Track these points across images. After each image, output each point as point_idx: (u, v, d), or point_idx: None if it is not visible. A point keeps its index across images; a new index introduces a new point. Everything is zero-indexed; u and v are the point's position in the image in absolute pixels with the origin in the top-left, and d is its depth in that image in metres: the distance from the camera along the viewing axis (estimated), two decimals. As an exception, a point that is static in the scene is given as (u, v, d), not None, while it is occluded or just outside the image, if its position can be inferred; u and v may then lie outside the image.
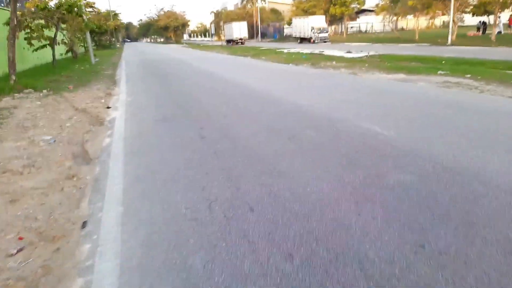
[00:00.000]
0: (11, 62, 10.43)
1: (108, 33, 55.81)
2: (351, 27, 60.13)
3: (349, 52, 23.34)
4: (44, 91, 10.78)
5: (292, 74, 13.14)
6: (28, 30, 16.63)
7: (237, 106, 7.28)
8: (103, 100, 8.95)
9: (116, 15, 64.46)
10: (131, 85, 11.77)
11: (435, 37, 33.40)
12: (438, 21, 57.36)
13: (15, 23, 10.38)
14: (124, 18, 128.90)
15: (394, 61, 16.44)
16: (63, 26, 22.01)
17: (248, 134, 5.21)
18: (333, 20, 50.99)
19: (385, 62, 16.20)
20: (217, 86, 10.34)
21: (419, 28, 46.30)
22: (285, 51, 28.52)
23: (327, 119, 5.80)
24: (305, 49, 29.01)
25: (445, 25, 58.32)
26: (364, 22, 64.80)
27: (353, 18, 58.32)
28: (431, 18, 56.61)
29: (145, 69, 17.67)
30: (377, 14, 43.44)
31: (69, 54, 25.20)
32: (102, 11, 48.44)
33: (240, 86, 10.18)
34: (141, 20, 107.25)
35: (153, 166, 4.14)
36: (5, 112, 7.75)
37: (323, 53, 23.88)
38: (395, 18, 61.27)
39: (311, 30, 42.33)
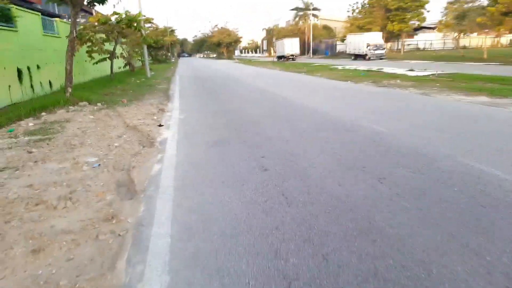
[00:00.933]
0: (68, 75, 10.36)
1: (164, 48, 57.89)
2: (408, 44, 57.41)
3: (411, 70, 21.72)
4: (99, 104, 10.59)
5: (354, 93, 12.01)
6: (89, 44, 17.09)
7: (300, 130, 6.34)
8: (155, 117, 8.44)
9: (172, 31, 66.93)
10: (184, 101, 11.30)
11: (505, 56, 30.52)
12: (504, 39, 53.24)
13: (74, 35, 10.34)
14: (179, 34, 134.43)
15: (466, 81, 14.72)
16: (123, 40, 22.68)
17: (321, 169, 4.23)
18: (389, 37, 49.00)
19: (458, 82, 14.53)
20: (274, 105, 9.51)
21: (482, 46, 43.02)
22: (339, 67, 27.36)
23: (418, 153, 4.67)
24: (361, 66, 27.66)
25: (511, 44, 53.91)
26: (422, 40, 61.86)
27: (410, 35, 55.60)
28: (497, 36, 52.77)
29: (198, 84, 17.38)
30: (440, 31, 40.81)
31: (127, 68, 25.97)
32: (159, 27, 50.39)
33: (300, 106, 9.26)
34: (195, 36, 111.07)
35: (208, 212, 3.29)
36: (57, 126, 7.44)
37: (381, 70, 22.46)
38: (456, 35, 57.97)
39: (367, 47, 40.80)
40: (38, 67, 12.89)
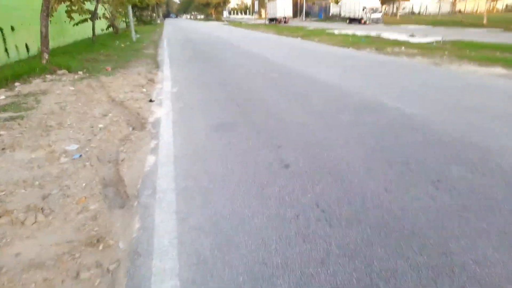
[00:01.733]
0: (44, 38, 9.14)
1: (149, 9, 54.76)
2: (403, 8, 55.56)
3: (412, 36, 20.70)
4: (80, 72, 9.48)
5: (360, 62, 11.09)
6: (68, 2, 15.48)
7: (315, 110, 5.50)
8: (144, 89, 7.45)
9: (158, -11, 63.22)
10: (175, 69, 10.22)
11: (506, 22, 29.49)
12: (500, 4, 51.86)
13: (49, -7, 9.00)
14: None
15: (475, 49, 13.90)
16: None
17: (355, 165, 3.46)
18: (384, 0, 47.15)
19: (465, 50, 13.71)
20: (278, 77, 8.56)
21: (478, 11, 41.72)
22: (336, 32, 26.10)
23: (466, 143, 3.93)
24: (358, 30, 26.39)
25: (508, 9, 52.63)
26: (417, 3, 59.99)
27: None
28: (493, 0, 51.46)
29: (188, 49, 16.09)
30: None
31: (110, 30, 24.17)
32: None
33: (306, 78, 8.35)
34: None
35: (225, 233, 2.51)
36: (31, 100, 6.44)
37: (381, 36, 21.39)
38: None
39: (363, 10, 39.22)
40: (12, 28, 11.51)
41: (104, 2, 21.17)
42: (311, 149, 3.91)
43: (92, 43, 16.78)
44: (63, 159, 3.85)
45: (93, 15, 16.85)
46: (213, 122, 5.08)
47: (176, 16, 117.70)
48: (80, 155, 3.93)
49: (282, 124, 4.87)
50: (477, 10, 42.23)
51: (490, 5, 55.19)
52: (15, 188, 3.22)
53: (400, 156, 3.64)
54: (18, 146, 4.24)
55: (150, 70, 10.01)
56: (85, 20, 17.30)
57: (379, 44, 16.77)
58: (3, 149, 4.19)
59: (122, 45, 18.15)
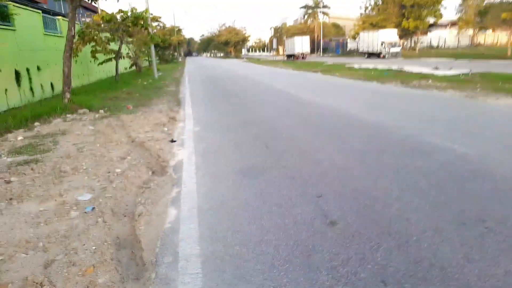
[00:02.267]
0: (66, 78, 9.07)
1: (171, 48, 56.68)
2: (421, 42, 55.39)
3: (436, 68, 20.15)
4: (101, 111, 9.30)
5: (388, 96, 10.58)
6: (93, 43, 15.87)
7: (355, 152, 4.94)
8: (165, 128, 7.09)
9: (179, 30, 65.76)
10: (197, 107, 9.94)
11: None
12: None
13: (73, 33, 9.02)
14: (186, 33, 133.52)
15: (507, 81, 13.21)
16: (129, 39, 21.46)
17: (420, 224, 2.83)
18: (402, 34, 47.23)
19: (496, 82, 13.04)
20: (306, 114, 8.11)
21: (498, 44, 41.08)
22: (356, 66, 25.86)
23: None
24: (378, 64, 26.05)
25: None
26: (436, 37, 59.89)
27: (423, 33, 53.54)
28: None
29: (210, 86, 16.00)
30: (461, 28, 39.01)
31: (133, 68, 24.74)
32: (166, 26, 49.18)
33: (337, 114, 7.87)
34: (203, 35, 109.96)
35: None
36: (49, 142, 6.14)
37: (403, 69, 20.96)
38: (472, 32, 56.01)
39: (381, 45, 39.21)
40: (38, 68, 11.68)
41: (128, 43, 21.77)
42: (358, 200, 3.32)
43: (115, 82, 16.97)
44: (73, 213, 3.37)
45: (117, 55, 17.16)
46: (240, 165, 4.58)
47: (197, 55, 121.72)
48: (93, 208, 3.45)
49: (319, 168, 4.32)
50: (497, 43, 41.61)
51: (511, 37, 54.74)
52: (16, 251, 2.74)
53: (471, 211, 3.01)
54: (27, 196, 3.82)
55: (171, 108, 9.76)
56: (110, 59, 17.68)
57: (403, 77, 16.29)
58: (10, 199, 3.78)
59: (145, 83, 18.32)
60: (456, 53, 38.30)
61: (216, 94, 12.78)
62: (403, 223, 2.87)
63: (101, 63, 17.74)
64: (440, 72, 18.11)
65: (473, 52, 37.13)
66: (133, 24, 16.27)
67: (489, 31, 44.76)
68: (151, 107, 10.24)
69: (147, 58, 25.33)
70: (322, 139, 5.64)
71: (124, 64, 23.63)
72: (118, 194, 3.83)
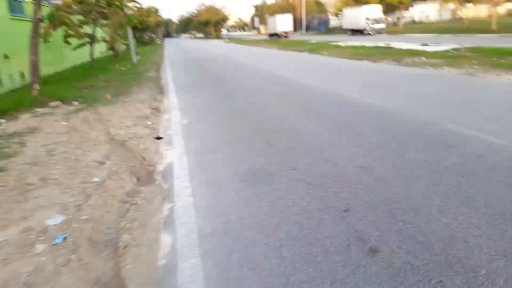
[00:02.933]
0: (33, 68, 8.07)
1: (149, 30, 54.51)
2: (403, 17, 54.79)
3: (424, 44, 19.67)
4: (75, 103, 8.39)
5: (386, 76, 9.98)
6: (65, 27, 14.60)
7: (373, 146, 4.31)
8: (149, 122, 6.31)
9: (157, 11, 63.26)
10: (182, 95, 9.11)
11: (508, 27, 28.45)
12: (502, 9, 51.10)
13: (39, 17, 7.98)
14: (164, 14, 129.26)
15: (500, 56, 12.81)
16: (104, 22, 20.09)
17: (485, 249, 2.25)
18: (386, 10, 46.46)
19: (491, 57, 12.61)
20: (305, 100, 7.44)
21: (479, 17, 40.84)
22: (342, 44, 25.17)
23: None
24: (365, 41, 25.40)
25: (510, 13, 51.76)
26: (418, 12, 59.41)
27: (406, 8, 52.86)
28: (494, 5, 50.66)
29: (193, 70, 15.05)
30: (446, 1, 38.44)
31: (110, 53, 23.33)
32: (143, 7, 46.95)
33: (336, 98, 7.23)
34: (181, 15, 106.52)
35: None
36: (14, 143, 5.31)
37: (391, 46, 20.40)
38: (453, 7, 55.67)
39: (366, 21, 38.45)
40: (6, 56, 10.57)
41: (103, 26, 20.39)
42: (394, 214, 2.71)
43: (91, 68, 15.80)
44: (39, 246, 2.66)
45: (92, 39, 15.94)
46: (242, 168, 3.90)
47: (177, 36, 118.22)
48: (65, 238, 2.74)
49: (334, 169, 3.68)
50: (478, 16, 41.38)
51: (491, 11, 54.68)
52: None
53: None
54: (-18, 222, 3.07)
55: (154, 97, 8.91)
56: (84, 44, 16.42)
57: (394, 55, 15.71)
58: (-39, 227, 3.02)
59: (123, 68, 17.20)
60: (440, 28, 37.89)
61: (201, 80, 11.91)
62: (461, 247, 2.27)
63: (75, 48, 16.48)
64: (430, 48, 17.62)
65: (458, 26, 36.78)
66: (108, 5, 15.05)
67: (470, 5, 44.39)
68: (131, 96, 9.37)
69: (124, 41, 23.87)
70: (329, 131, 5.00)
71: (100, 49, 22.17)
72: (97, 213, 3.11)
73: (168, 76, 13.49)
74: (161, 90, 10.17)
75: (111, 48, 22.46)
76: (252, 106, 7.07)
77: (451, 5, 54.17)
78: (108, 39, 21.51)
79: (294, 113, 6.20)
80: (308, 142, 4.62)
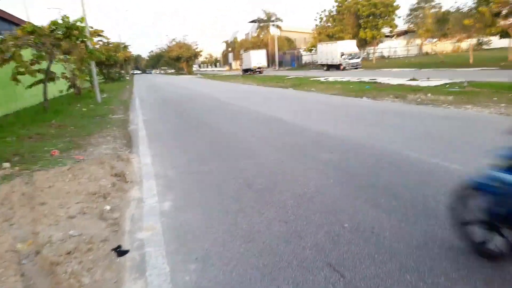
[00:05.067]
0: None
1: (118, 66, 52.18)
2: (373, 53, 55.83)
3: (413, 79, 18.55)
4: (6, 164, 5.94)
5: (407, 118, 8.20)
6: (14, 63, 12.19)
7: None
8: (108, 206, 3.98)
9: (125, 46, 61.33)
10: (159, 148, 6.86)
11: (489, 61, 28.58)
12: (465, 44, 53.16)
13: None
14: (134, 50, 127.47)
15: (507, 91, 11.63)
16: (62, 57, 17.75)
17: None
18: (359, 45, 46.94)
19: (506, 93, 11.34)
20: (326, 156, 5.38)
21: (443, 52, 41.82)
22: (322, 79, 23.97)
23: None
24: (345, 76, 24.34)
25: (473, 48, 53.69)
26: (386, 47, 60.98)
27: (377, 43, 54.01)
28: (458, 41, 52.50)
29: (170, 113, 12.77)
30: (422, 36, 38.95)
31: (72, 90, 20.76)
32: (111, 42, 44.87)
33: (369, 151, 5.21)
34: (152, 51, 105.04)
35: None
36: None
37: (376, 81, 19.25)
38: (419, 42, 57.47)
39: (341, 56, 38.12)
40: None
41: (64, 61, 18.02)
42: None
43: (43, 110, 13.24)
44: None
45: (46, 76, 13.50)
46: None
47: (145, 72, 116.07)
48: None
49: None
50: (443, 51, 42.27)
51: (455, 46, 56.79)
52: None
53: None
54: None
55: (118, 153, 6.59)
56: (41, 81, 13.94)
57: (389, 90, 14.31)
58: None
59: (84, 109, 14.75)
60: (413, 63, 38.08)
61: (181, 125, 9.69)
62: None
63: (30, 86, 13.97)
64: (422, 83, 16.45)
65: (432, 61, 36.98)
66: (65, 37, 12.80)
67: (435, 40, 45.51)
68: (88, 149, 7.03)
69: (88, 78, 21.45)
70: (397, 216, 2.92)
71: (60, 87, 19.70)
72: None
73: (138, 119, 11.19)
74: (129, 141, 7.87)
75: (72, 85, 19.98)
76: (260, 169, 4.91)
77: (418, 41, 55.86)
78: (68, 76, 19.09)
79: (323, 178, 4.08)
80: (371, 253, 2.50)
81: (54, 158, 6.37)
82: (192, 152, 6.30)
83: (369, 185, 3.94)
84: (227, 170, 4.99)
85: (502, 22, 26.02)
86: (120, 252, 2.88)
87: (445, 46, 47.37)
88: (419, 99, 11.50)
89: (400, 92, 13.59)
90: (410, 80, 18.39)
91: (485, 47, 50.31)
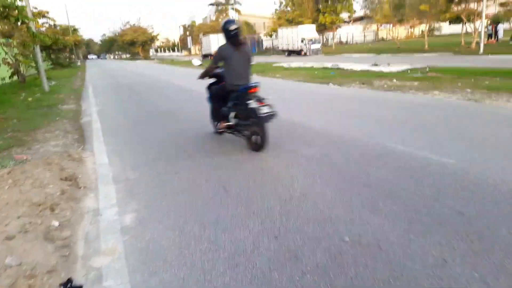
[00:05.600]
0: None
1: (67, 50, 48.67)
2: (331, 38, 56.38)
3: (375, 65, 18.71)
4: None
5: (385, 106, 7.97)
6: None
7: None
8: (55, 222, 3.28)
9: (75, 30, 57.39)
10: (117, 146, 6.09)
11: (444, 46, 29.64)
12: (417, 30, 55.08)
13: None
14: (84, 35, 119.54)
15: (474, 76, 11.93)
16: (2, 40, 16.00)
17: None
18: (318, 30, 47.03)
19: (468, 79, 11.58)
20: (295, 148, 4.96)
21: (398, 38, 43.08)
22: (285, 65, 23.68)
23: None
24: (307, 62, 24.16)
25: (423, 34, 55.88)
26: (344, 33, 61.79)
27: (335, 28, 54.54)
28: (411, 27, 54.36)
29: (128, 102, 11.79)
30: (378, 21, 39.59)
31: (16, 78, 18.86)
32: (59, 24, 41.59)
33: (371, 149, 4.84)
34: (104, 35, 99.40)
35: None
36: None
37: (339, 67, 19.24)
38: (375, 28, 58.84)
39: (302, 41, 37.99)
40: None
41: (4, 44, 16.22)
42: None
43: (-19, 101, 11.77)
44: None
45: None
46: None
47: (98, 57, 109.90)
48: None
49: None
50: (397, 37, 43.41)
51: (408, 31, 58.64)
52: None
53: None
54: None
55: (69, 150, 5.76)
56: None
57: (353, 77, 14.20)
58: None
59: (30, 98, 13.32)
60: (373, 48, 38.74)
61: (141, 115, 8.86)
62: None
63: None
64: (385, 69, 16.56)
65: (389, 46, 37.78)
66: (3, 17, 11.35)
67: (390, 26, 46.56)
68: (33, 147, 6.14)
69: (33, 64, 19.54)
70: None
71: (2, 74, 17.85)
72: None
73: (91, 110, 10.17)
74: (81, 135, 7.00)
75: (16, 72, 18.12)
76: (240, 166, 4.37)
77: (374, 27, 57.05)
78: (10, 62, 17.26)
79: (324, 187, 3.64)
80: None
81: (-10, 160, 5.45)
82: (155, 147, 5.62)
83: (361, 184, 3.54)
84: (197, 169, 4.40)
85: (455, 8, 26.89)
86: (70, 286, 2.25)
87: (399, 32, 48.71)
88: (385, 85, 11.40)
89: (365, 78, 13.49)
90: (372, 65, 18.47)
91: (436, 33, 52.36)
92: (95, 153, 5.47)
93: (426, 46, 30.18)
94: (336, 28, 47.49)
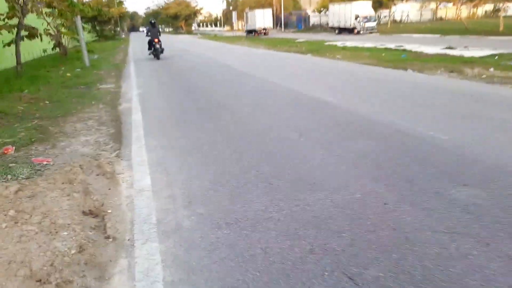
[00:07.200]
0: None
1: (112, 22, 48.33)
2: (384, 16, 51.97)
3: (450, 48, 15.96)
4: None
5: (497, 107, 5.92)
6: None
7: None
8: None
9: (120, 2, 56.96)
10: (163, 154, 4.58)
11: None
12: (480, 10, 49.56)
13: None
14: (129, 7, 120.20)
15: None
16: (46, 10, 15.01)
17: None
18: (374, 7, 43.26)
19: None
20: (397, 166, 3.17)
21: (458, 18, 38.52)
22: (339, 44, 21.32)
23: None
24: (365, 42, 21.67)
25: (487, 15, 50.03)
26: (398, 11, 56.95)
27: (391, 6, 50.02)
28: (474, 6, 48.76)
29: (173, 85, 10.26)
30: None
31: (57, 50, 18.05)
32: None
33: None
34: (148, 8, 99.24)
35: None
36: None
37: (406, 49, 16.79)
38: (433, 7, 53.62)
39: (355, 19, 34.87)
40: None
41: (47, 15, 15.26)
42: None
43: (17, 76, 10.75)
44: None
45: (18, 32, 10.93)
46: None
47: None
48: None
49: None
50: (458, 17, 38.97)
51: (470, 11, 53.06)
52: None
53: None
54: None
55: (99, 156, 4.34)
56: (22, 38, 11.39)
57: (434, 62, 11.89)
58: None
59: (68, 74, 12.28)
60: (432, 28, 34.82)
61: (190, 106, 7.30)
62: None
63: (8, 44, 11.49)
64: (466, 53, 13.94)
65: (453, 27, 33.77)
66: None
67: (450, 5, 41.98)
68: (58, 144, 4.80)
69: (77, 36, 18.62)
70: None
71: (43, 45, 17.04)
72: None
73: (132, 93, 8.80)
74: (118, 130, 5.59)
75: (57, 44, 17.27)
76: (335, 204, 2.73)
77: (432, 5, 52.10)
78: (53, 33, 16.37)
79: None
80: None
81: (3, 163, 4.15)
82: (218, 163, 4.04)
83: None
84: (295, 210, 2.79)
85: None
86: None
87: (460, 12, 43.88)
88: (484, 76, 9.15)
89: (449, 64, 11.20)
90: (446, 48, 15.87)
91: (502, 14, 46.86)
92: (133, 166, 3.98)
93: (501, 28, 26.33)
94: (393, 5, 43.51)
